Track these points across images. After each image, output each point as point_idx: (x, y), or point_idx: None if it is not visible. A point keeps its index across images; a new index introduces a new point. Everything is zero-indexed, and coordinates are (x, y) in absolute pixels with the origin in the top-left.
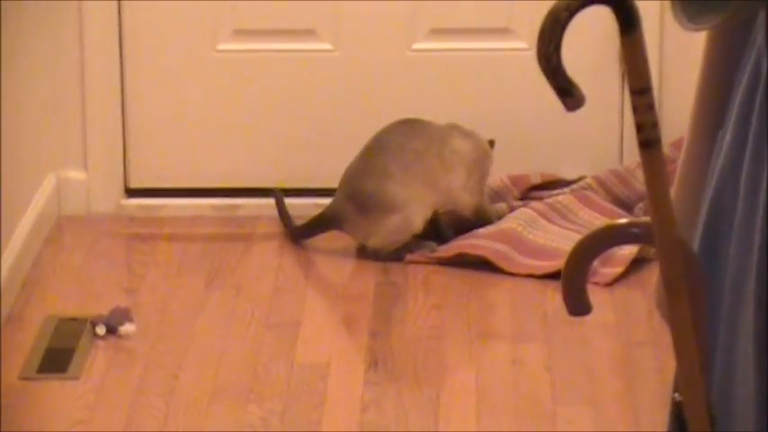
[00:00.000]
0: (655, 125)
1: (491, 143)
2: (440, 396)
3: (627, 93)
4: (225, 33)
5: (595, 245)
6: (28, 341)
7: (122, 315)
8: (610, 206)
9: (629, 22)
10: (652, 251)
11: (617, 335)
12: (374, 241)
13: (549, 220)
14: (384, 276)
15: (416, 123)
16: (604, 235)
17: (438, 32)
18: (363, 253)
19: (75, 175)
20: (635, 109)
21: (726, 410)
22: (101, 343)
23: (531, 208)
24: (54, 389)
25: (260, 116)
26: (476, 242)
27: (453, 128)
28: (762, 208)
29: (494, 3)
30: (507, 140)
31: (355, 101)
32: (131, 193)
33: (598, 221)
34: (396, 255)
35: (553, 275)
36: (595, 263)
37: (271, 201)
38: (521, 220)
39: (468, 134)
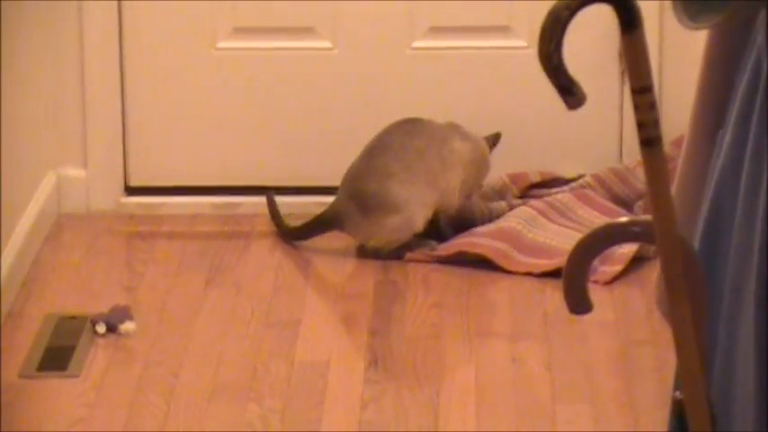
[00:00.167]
0: (656, 123)
1: (497, 136)
2: (439, 394)
3: (626, 91)
4: (224, 31)
5: (596, 243)
6: (28, 339)
7: (122, 313)
8: (609, 204)
9: (630, 21)
10: (651, 249)
11: (616, 333)
12: (375, 241)
13: (549, 219)
14: (384, 275)
15: (417, 123)
16: (605, 233)
17: (437, 31)
18: (363, 252)
19: (75, 172)
20: (636, 107)
21: (726, 409)
22: (101, 341)
23: (531, 206)
24: (54, 387)
25: (259, 114)
26: (475, 240)
27: (454, 128)
28: (762, 208)
29: (493, 1)
30: (507, 139)
31: (355, 99)
32: (131, 191)
33: (597, 220)
34: (395, 253)
35: (552, 274)
36: (595, 261)
37: None
38: (520, 218)
39: (467, 136)
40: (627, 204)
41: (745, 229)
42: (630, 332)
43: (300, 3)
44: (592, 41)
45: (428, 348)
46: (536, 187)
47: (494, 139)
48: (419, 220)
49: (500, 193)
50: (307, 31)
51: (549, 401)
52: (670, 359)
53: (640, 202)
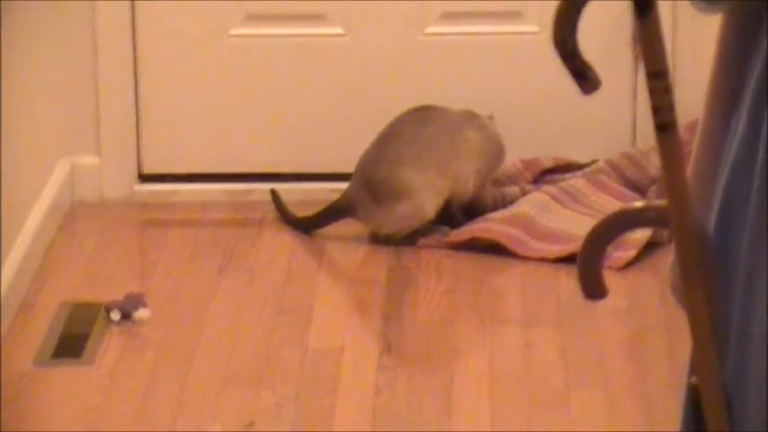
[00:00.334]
0: (671, 108)
1: (490, 118)
2: (453, 380)
3: (639, 76)
4: (237, 18)
5: (611, 229)
6: (42, 327)
7: (136, 301)
8: (622, 189)
9: (644, 5)
10: (665, 235)
11: (629, 319)
12: (387, 228)
13: (562, 204)
14: (396, 261)
15: (431, 111)
16: (620, 219)
17: (449, 16)
18: (375, 238)
19: (89, 160)
20: (651, 92)
21: (740, 395)
22: (115, 328)
23: (544, 192)
24: (68, 374)
25: (272, 101)
26: (488, 226)
27: (470, 117)
28: None
29: None
30: (519, 124)
31: (367, 85)
32: (144, 178)
33: (610, 205)
34: (408, 239)
35: (566, 260)
36: (608, 247)
37: (283, 186)
38: (533, 204)
39: (483, 125)
40: (640, 189)
41: (760, 214)
42: (644, 318)
43: None
44: (605, 26)
45: (441, 334)
46: (549, 173)
47: None
48: (430, 208)
49: (513, 179)
50: (319, 18)
51: (562, 387)
52: (683, 345)
53: (654, 187)
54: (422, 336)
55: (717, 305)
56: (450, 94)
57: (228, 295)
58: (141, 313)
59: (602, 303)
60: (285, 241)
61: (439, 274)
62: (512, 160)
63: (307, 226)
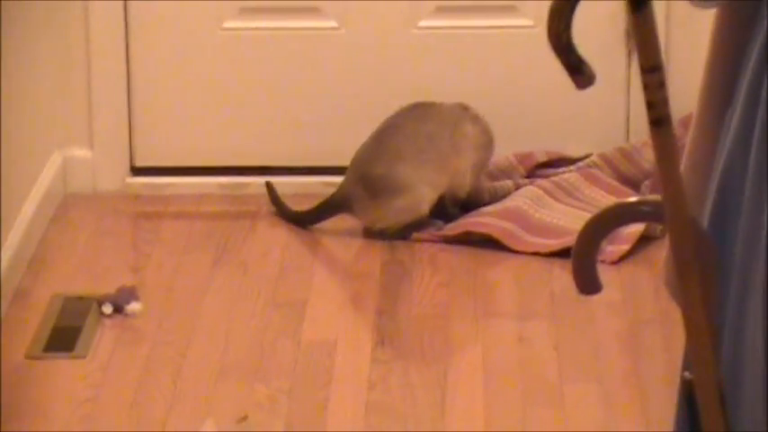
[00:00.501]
0: (665, 103)
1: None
2: (446, 374)
3: (633, 71)
4: (230, 11)
5: (605, 223)
6: (35, 320)
7: (129, 294)
8: (616, 184)
9: (639, 0)
10: (659, 229)
11: (624, 313)
12: (382, 223)
13: (556, 198)
14: (390, 255)
15: (429, 107)
16: (615, 213)
17: (443, 10)
18: (370, 232)
19: (81, 153)
20: (645, 87)
21: (735, 390)
22: (107, 322)
23: (537, 186)
24: (61, 368)
25: (266, 94)
26: (482, 220)
27: (464, 110)
28: None
29: None
30: (513, 118)
31: (361, 78)
32: (137, 171)
33: (604, 199)
34: (402, 233)
35: (559, 253)
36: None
37: (277, 179)
38: (527, 198)
39: (477, 119)
40: (634, 184)
41: (754, 208)
42: (638, 312)
43: None
44: (599, 21)
45: (435, 328)
46: (543, 167)
47: None
48: (425, 203)
49: (507, 173)
50: (313, 11)
51: (556, 381)
52: (678, 338)
53: (647, 182)
54: (416, 329)
55: (711, 300)
56: (445, 87)
57: (222, 288)
58: (133, 306)
59: (596, 297)
60: (279, 234)
61: (433, 268)
62: (505, 154)
63: (302, 221)
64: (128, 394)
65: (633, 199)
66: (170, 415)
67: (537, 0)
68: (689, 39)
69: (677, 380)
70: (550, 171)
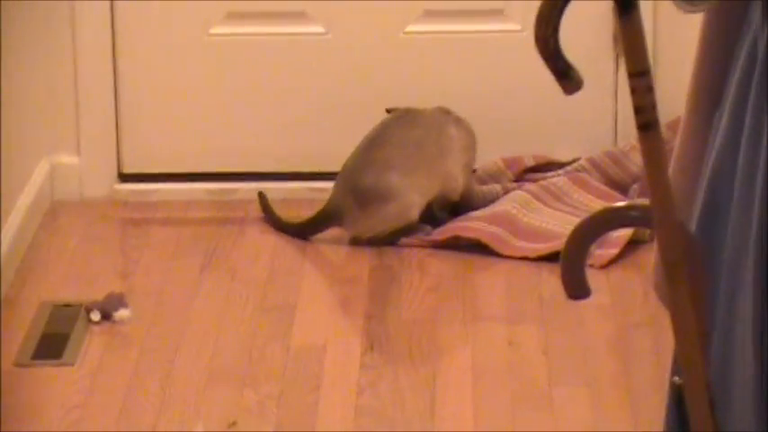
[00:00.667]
0: (654, 107)
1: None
2: (436, 378)
3: (621, 75)
4: (217, 17)
5: (594, 228)
6: (23, 327)
7: (117, 301)
8: (604, 188)
9: (627, 4)
10: (647, 233)
11: (613, 317)
12: (371, 232)
13: (544, 203)
14: (379, 260)
15: (414, 113)
16: (603, 218)
17: (431, 14)
18: (358, 240)
19: (69, 160)
20: (633, 91)
21: (724, 393)
22: (96, 329)
23: (526, 190)
24: (49, 375)
25: (253, 100)
26: (470, 225)
27: (446, 114)
28: (759, 190)
29: None
30: (501, 122)
31: (348, 83)
32: (125, 177)
33: (592, 203)
34: (390, 239)
35: (548, 258)
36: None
37: (265, 185)
38: (515, 202)
39: (459, 120)
40: (622, 187)
41: (743, 211)
42: (627, 315)
43: None
44: (586, 26)
45: (424, 332)
46: (531, 171)
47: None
48: (415, 209)
49: (495, 178)
50: (299, 16)
51: (545, 385)
52: (667, 342)
53: (635, 186)
54: (405, 334)
55: (701, 303)
56: (432, 92)
57: (211, 294)
58: (122, 313)
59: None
60: (268, 240)
61: (422, 273)
62: (493, 159)
63: (292, 233)
64: (117, 401)
65: (622, 204)
66: (159, 421)
67: (525, 2)
68: (676, 42)
69: (666, 383)
70: (539, 175)
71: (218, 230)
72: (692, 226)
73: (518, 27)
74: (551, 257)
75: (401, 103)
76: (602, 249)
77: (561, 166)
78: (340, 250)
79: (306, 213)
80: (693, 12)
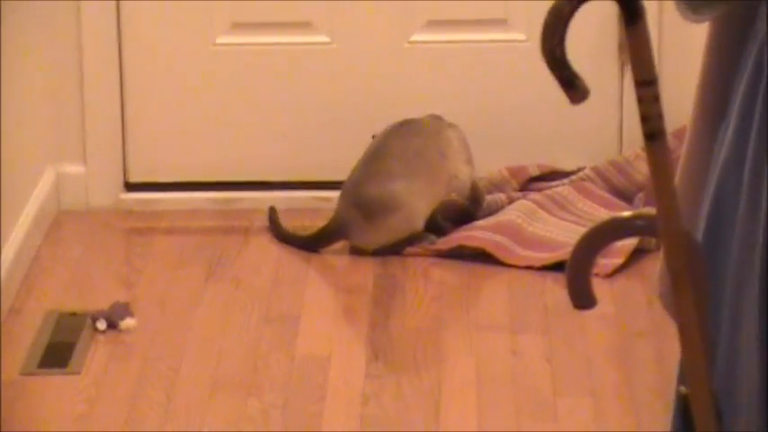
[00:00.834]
0: (660, 117)
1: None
2: (440, 387)
3: (626, 84)
4: (223, 27)
5: (600, 238)
6: (29, 336)
7: (123, 310)
8: (609, 197)
9: (633, 14)
10: (652, 242)
11: (617, 326)
12: (377, 244)
13: (549, 212)
14: (383, 269)
15: (411, 123)
16: (609, 228)
17: (435, 24)
18: (362, 251)
19: (74, 169)
20: (640, 100)
21: (730, 401)
22: (101, 338)
23: (530, 199)
24: (55, 384)
25: (258, 109)
26: (474, 234)
27: (439, 119)
28: (765, 199)
29: None
30: (505, 132)
31: (353, 93)
32: (130, 187)
33: (597, 212)
34: (395, 248)
35: (552, 267)
36: None
37: (269, 194)
38: (520, 211)
39: (451, 124)
40: (627, 197)
41: (749, 220)
42: (631, 324)
43: None
44: (591, 35)
45: (428, 341)
46: (535, 180)
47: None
48: (420, 218)
49: (499, 187)
50: (305, 26)
51: (549, 394)
52: (671, 351)
53: (640, 195)
54: (409, 343)
55: (706, 312)
56: (436, 102)
57: (215, 303)
58: (128, 322)
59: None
60: (272, 249)
61: (426, 282)
62: (498, 168)
63: (299, 246)
64: (122, 410)
65: (628, 213)
66: (164, 429)
67: (529, 12)
68: (681, 52)
69: (670, 393)
70: (544, 184)
71: (222, 240)
72: (699, 234)
73: (522, 36)
74: (556, 267)
75: (405, 112)
76: (606, 259)
77: (566, 175)
78: (344, 259)
79: (310, 222)
80: (699, 21)
